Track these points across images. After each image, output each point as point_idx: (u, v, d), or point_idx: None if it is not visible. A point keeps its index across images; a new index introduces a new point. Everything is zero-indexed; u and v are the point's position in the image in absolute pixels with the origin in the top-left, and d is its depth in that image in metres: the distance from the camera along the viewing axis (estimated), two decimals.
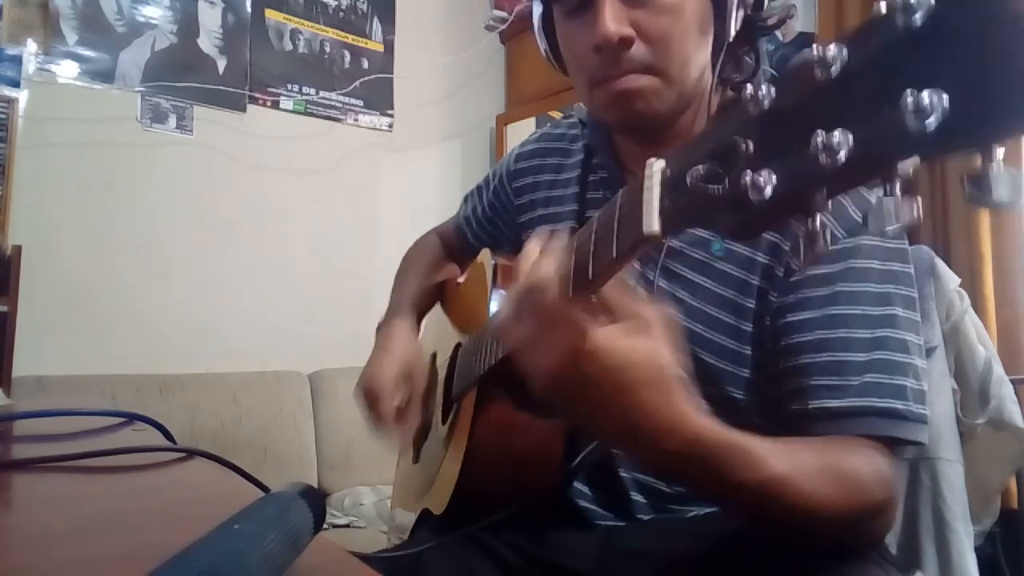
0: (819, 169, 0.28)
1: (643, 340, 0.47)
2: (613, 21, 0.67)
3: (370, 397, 0.91)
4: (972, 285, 1.73)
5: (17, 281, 1.88)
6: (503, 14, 2.98)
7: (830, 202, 0.30)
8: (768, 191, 0.31)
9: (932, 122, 0.25)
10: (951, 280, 1.13)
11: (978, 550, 1.05)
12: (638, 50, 0.69)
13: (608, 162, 0.84)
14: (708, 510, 0.74)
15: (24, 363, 1.91)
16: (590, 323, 0.47)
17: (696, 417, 0.50)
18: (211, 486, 0.59)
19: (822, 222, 0.31)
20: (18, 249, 1.92)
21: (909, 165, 0.27)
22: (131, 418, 0.85)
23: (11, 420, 0.85)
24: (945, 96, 0.25)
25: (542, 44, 0.81)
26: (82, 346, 2.14)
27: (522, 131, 2.86)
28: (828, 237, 0.31)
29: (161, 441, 0.75)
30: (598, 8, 0.68)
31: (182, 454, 0.65)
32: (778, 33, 2.28)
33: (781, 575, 0.58)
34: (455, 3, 3.03)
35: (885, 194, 0.28)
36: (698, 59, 0.72)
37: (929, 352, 0.96)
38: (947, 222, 1.87)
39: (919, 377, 0.64)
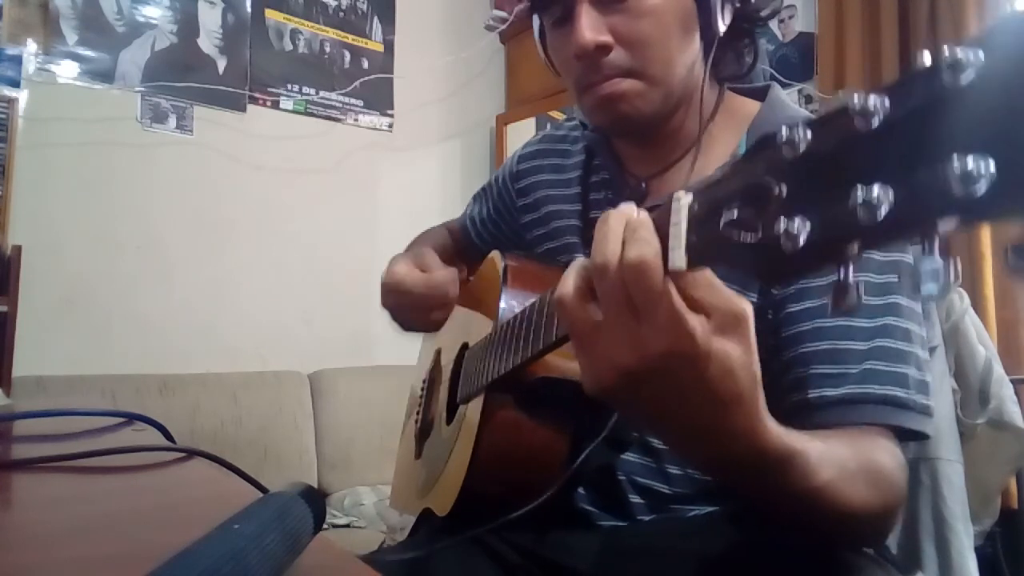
0: (856, 223, 0.27)
1: (739, 342, 0.42)
2: (589, 30, 0.69)
3: (396, 289, 0.87)
4: (972, 285, 1.73)
5: (17, 281, 1.88)
6: (503, 14, 2.99)
7: (864, 254, 0.29)
8: (801, 240, 0.30)
9: (978, 188, 0.24)
10: None
11: (978, 550, 1.05)
12: (617, 55, 0.70)
13: (608, 163, 0.84)
14: (708, 510, 0.74)
15: (24, 363, 1.91)
16: (690, 316, 0.41)
17: (769, 425, 0.47)
18: (211, 486, 0.58)
19: (855, 274, 0.30)
20: (18, 249, 1.92)
21: (949, 227, 0.26)
22: (131, 418, 0.85)
23: (11, 420, 0.85)
24: (992, 162, 0.24)
25: (541, 53, 0.82)
26: (82, 346, 2.14)
27: (522, 131, 2.86)
28: (861, 290, 0.30)
29: (161, 441, 0.75)
30: (575, 18, 0.69)
31: (182, 454, 0.65)
32: (778, 33, 2.29)
33: (781, 574, 0.58)
34: (455, 3, 3.03)
35: (923, 253, 0.27)
36: (683, 58, 0.72)
37: (929, 352, 0.96)
38: None
39: (921, 367, 0.64)
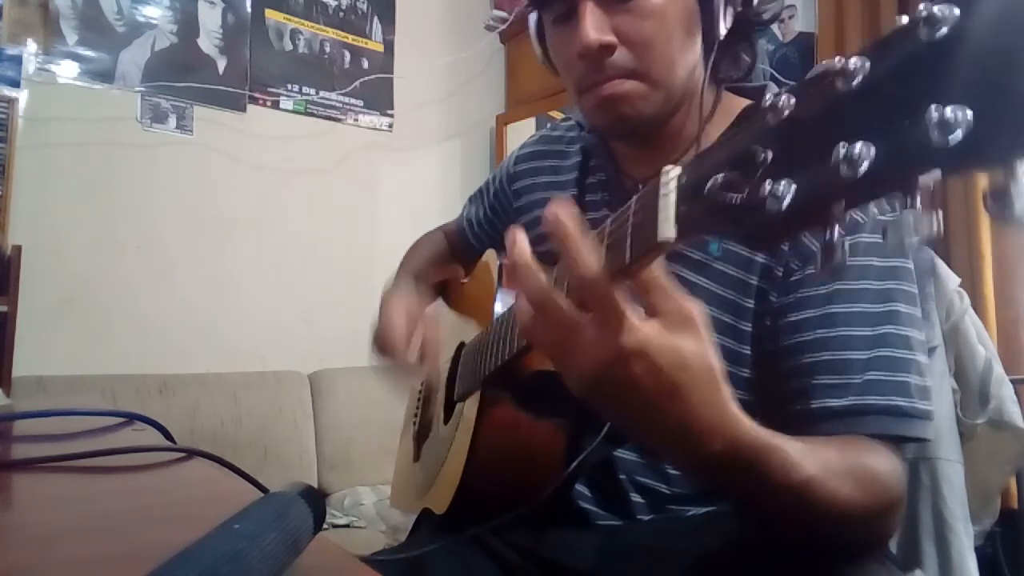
0: (839, 181, 0.28)
1: (691, 337, 0.44)
2: (594, 29, 0.68)
3: (384, 345, 0.91)
4: (972, 285, 1.73)
5: (17, 281, 1.88)
6: (503, 14, 2.98)
7: (849, 214, 0.30)
8: (787, 201, 0.30)
9: (955, 137, 0.25)
10: (951, 280, 1.13)
11: (978, 550, 1.05)
12: (621, 55, 0.70)
13: (605, 164, 0.84)
14: (707, 510, 0.74)
15: (24, 363, 1.91)
16: (636, 317, 0.43)
17: (740, 418, 0.48)
18: (211, 486, 0.59)
19: (840, 233, 0.30)
20: (18, 249, 1.92)
21: (930, 179, 0.27)
22: (131, 418, 0.85)
23: (11, 420, 0.85)
24: (969, 111, 0.25)
25: (537, 50, 0.82)
26: (82, 346, 2.14)
27: (522, 131, 2.86)
28: (846, 248, 0.30)
29: (161, 441, 0.75)
30: (579, 16, 0.69)
31: (182, 454, 0.65)
32: (778, 33, 2.29)
33: (781, 574, 0.58)
34: (455, 3, 3.03)
35: (906, 207, 0.28)
36: (685, 60, 0.72)
37: (929, 352, 0.96)
38: (947, 222, 1.87)
39: (922, 373, 0.64)
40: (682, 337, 0.44)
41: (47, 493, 0.54)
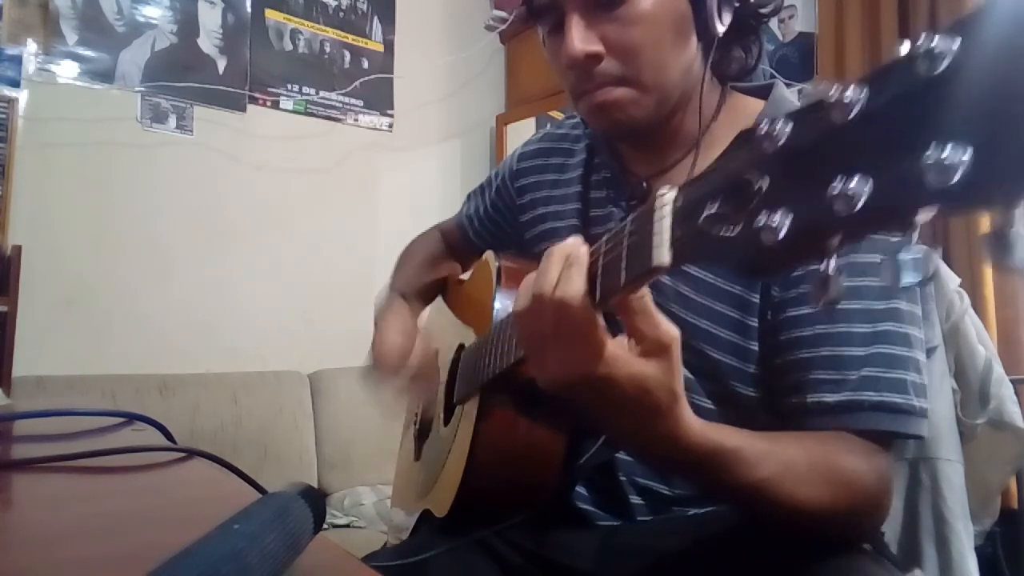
0: (835, 215, 0.28)
1: (659, 365, 0.48)
2: (579, 40, 0.69)
3: (381, 368, 0.92)
4: (972, 285, 1.73)
5: (17, 281, 1.88)
6: (503, 14, 2.98)
7: (844, 247, 0.30)
8: (782, 233, 0.30)
9: (954, 177, 0.24)
10: (951, 280, 1.13)
11: (978, 550, 1.05)
12: (609, 64, 0.70)
13: (610, 162, 0.84)
14: (707, 510, 0.74)
15: (24, 363, 1.91)
16: (609, 345, 0.47)
17: (692, 426, 0.52)
18: (211, 486, 0.59)
19: (836, 266, 0.30)
20: (18, 249, 1.92)
21: (928, 216, 0.26)
22: (131, 418, 0.85)
23: (11, 420, 0.85)
24: (968, 151, 0.24)
25: (548, 55, 0.82)
26: (82, 346, 2.14)
27: (522, 131, 2.86)
28: (842, 281, 0.30)
29: (161, 441, 0.75)
30: (566, 28, 0.70)
31: (182, 454, 0.65)
32: (778, 33, 2.29)
33: (780, 574, 0.58)
34: (455, 3, 3.03)
35: (903, 243, 0.27)
36: (678, 62, 0.72)
37: (929, 352, 0.96)
38: (947, 222, 1.87)
39: (920, 371, 0.64)
40: (651, 364, 0.48)
41: (47, 493, 0.54)
